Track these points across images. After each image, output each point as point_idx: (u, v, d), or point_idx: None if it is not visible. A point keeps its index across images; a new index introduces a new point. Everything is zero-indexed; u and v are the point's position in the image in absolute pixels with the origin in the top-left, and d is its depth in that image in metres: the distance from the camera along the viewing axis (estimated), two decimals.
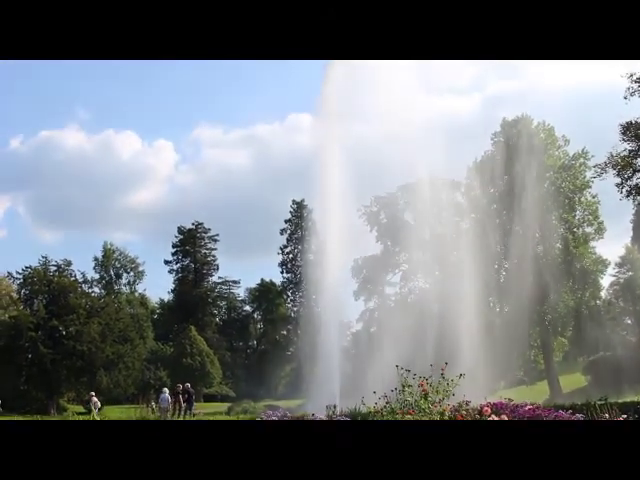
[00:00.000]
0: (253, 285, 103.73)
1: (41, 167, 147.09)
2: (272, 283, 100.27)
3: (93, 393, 43.67)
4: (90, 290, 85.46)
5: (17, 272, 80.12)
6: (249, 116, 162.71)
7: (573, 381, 70.32)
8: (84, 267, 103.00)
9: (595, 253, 72.48)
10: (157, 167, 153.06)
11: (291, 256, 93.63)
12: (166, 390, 41.77)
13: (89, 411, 39.21)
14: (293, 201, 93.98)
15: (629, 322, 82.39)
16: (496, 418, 11.22)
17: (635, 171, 41.13)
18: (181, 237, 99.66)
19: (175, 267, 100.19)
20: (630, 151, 41.03)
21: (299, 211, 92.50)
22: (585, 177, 69.17)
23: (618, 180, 41.66)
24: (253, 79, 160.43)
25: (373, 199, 77.60)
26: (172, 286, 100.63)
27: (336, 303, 62.64)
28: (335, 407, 21.53)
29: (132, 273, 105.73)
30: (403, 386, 11.69)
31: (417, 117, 59.85)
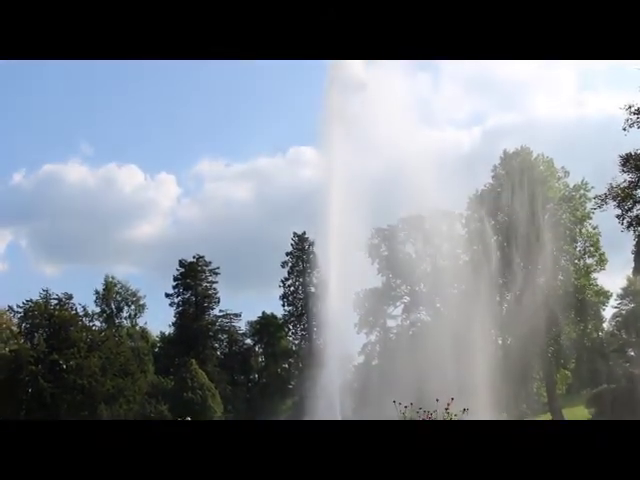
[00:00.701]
0: (254, 318, 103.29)
1: (43, 201, 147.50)
2: (273, 316, 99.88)
3: None
4: (91, 324, 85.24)
5: (18, 305, 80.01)
6: (251, 149, 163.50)
7: (577, 414, 69.69)
8: (85, 300, 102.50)
9: (597, 284, 72.36)
10: (159, 200, 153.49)
11: (292, 289, 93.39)
12: None
13: None
14: (294, 234, 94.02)
15: (632, 354, 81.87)
16: None
17: (635, 202, 41.18)
18: (182, 270, 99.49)
19: (176, 300, 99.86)
20: (630, 182, 41.10)
21: (300, 244, 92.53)
22: (585, 208, 69.28)
23: (619, 211, 41.74)
24: (255, 112, 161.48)
25: (374, 231, 77.67)
26: (173, 319, 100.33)
27: (338, 336, 62.38)
28: None
29: (133, 306, 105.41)
30: None
31: (418, 150, 60.14)
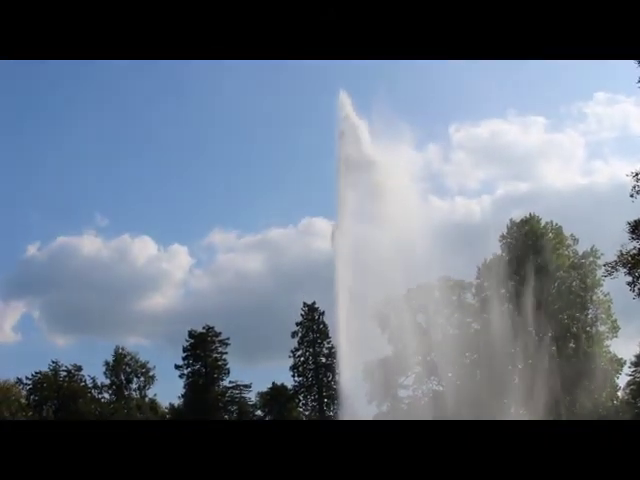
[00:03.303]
0: (264, 389, 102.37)
1: (57, 273, 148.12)
2: (284, 387, 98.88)
3: None
4: (100, 396, 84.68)
5: (27, 377, 79.69)
6: (263, 220, 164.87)
7: None
8: (95, 372, 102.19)
9: (610, 352, 71.67)
10: (172, 272, 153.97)
11: (302, 359, 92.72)
12: None
13: None
14: (304, 304, 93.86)
15: None
16: None
17: None
18: (192, 341, 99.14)
19: (185, 371, 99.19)
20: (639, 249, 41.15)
21: (310, 314, 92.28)
22: (596, 276, 69.14)
23: (629, 279, 41.64)
24: (266, 184, 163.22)
25: (384, 301, 77.50)
26: (182, 391, 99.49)
27: (348, 407, 61.72)
28: None
29: (142, 378, 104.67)
30: None
31: (428, 220, 60.76)
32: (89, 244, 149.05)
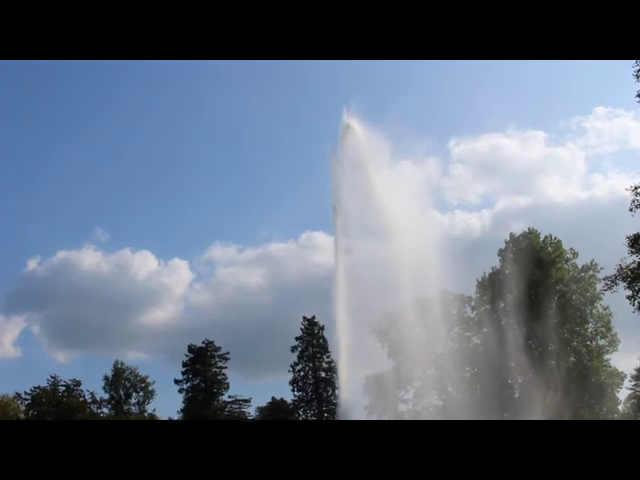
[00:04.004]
0: (264, 404, 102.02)
1: (57, 287, 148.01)
2: (283, 401, 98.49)
3: None
4: (99, 410, 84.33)
5: (26, 392, 79.43)
6: (263, 235, 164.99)
7: None
8: (94, 387, 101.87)
9: (610, 366, 71.51)
10: (172, 286, 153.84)
11: (302, 374, 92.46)
12: None
13: None
14: (304, 318, 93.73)
15: None
16: None
17: None
18: (191, 356, 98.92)
19: (185, 386, 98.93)
20: (639, 263, 41.14)
21: (310, 328, 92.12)
22: (595, 289, 69.12)
23: (629, 292, 41.60)
24: (266, 198, 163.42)
25: (384, 315, 77.40)
26: (182, 405, 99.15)
27: None
28: None
29: (142, 392, 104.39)
30: None
31: (428, 234, 60.74)
32: (89, 258, 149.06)
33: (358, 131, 57.76)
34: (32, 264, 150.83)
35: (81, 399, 78.46)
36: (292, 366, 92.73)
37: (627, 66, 33.77)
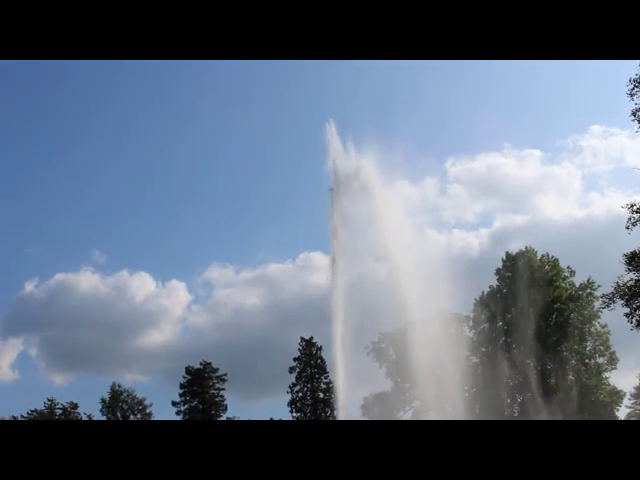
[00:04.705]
0: None
1: (55, 310, 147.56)
2: None
3: None
4: None
5: (22, 416, 78.95)
6: (261, 256, 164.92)
7: None
8: (92, 409, 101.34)
9: (609, 384, 71.35)
10: (170, 307, 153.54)
11: (300, 395, 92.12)
12: None
13: None
14: (302, 338, 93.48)
15: None
16: None
17: None
18: (189, 377, 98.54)
19: (182, 408, 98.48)
20: (636, 281, 41.15)
21: (308, 349, 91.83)
22: (593, 307, 69.12)
23: (627, 310, 41.58)
24: (263, 218, 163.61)
25: (381, 335, 77.32)
26: None
27: None
28: None
29: (139, 415, 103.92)
30: None
31: (425, 253, 60.81)
32: (87, 280, 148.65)
33: (352, 153, 57.92)
34: (29, 286, 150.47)
35: None
36: (290, 387, 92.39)
37: (621, 84, 34.10)
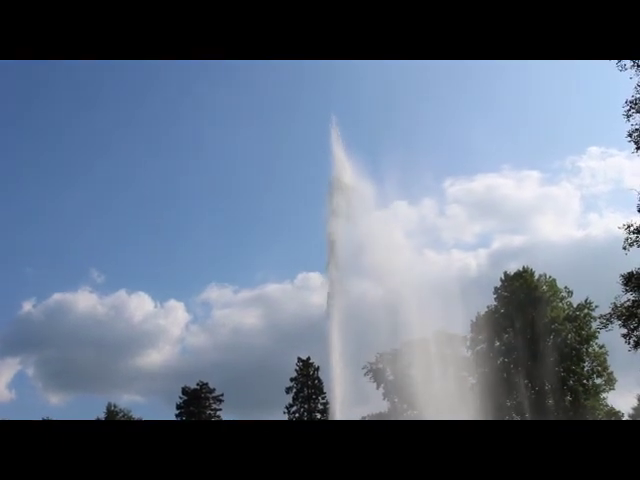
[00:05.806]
0: None
1: (52, 330, 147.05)
2: None
3: None
4: None
5: None
6: (259, 276, 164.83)
7: None
8: None
9: (607, 405, 71.15)
10: (168, 328, 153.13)
11: (297, 415, 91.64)
12: None
13: None
14: (299, 359, 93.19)
15: None
16: None
17: None
18: (185, 398, 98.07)
19: None
20: (634, 301, 41.11)
21: (305, 369, 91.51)
22: (591, 328, 69.05)
23: (624, 330, 41.51)
24: (262, 239, 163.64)
25: (379, 356, 77.14)
26: None
27: None
28: None
29: None
30: None
31: (423, 274, 60.82)
32: (85, 300, 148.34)
33: (350, 173, 57.93)
34: (27, 306, 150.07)
35: None
36: (287, 407, 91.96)
37: (618, 106, 34.27)
